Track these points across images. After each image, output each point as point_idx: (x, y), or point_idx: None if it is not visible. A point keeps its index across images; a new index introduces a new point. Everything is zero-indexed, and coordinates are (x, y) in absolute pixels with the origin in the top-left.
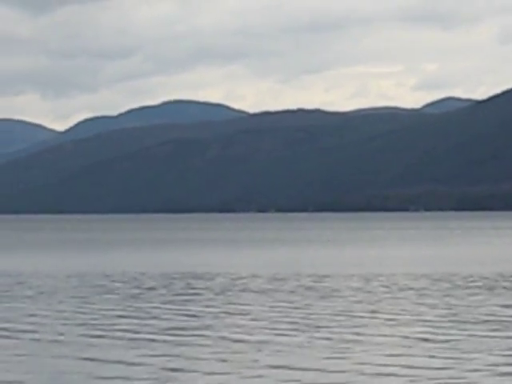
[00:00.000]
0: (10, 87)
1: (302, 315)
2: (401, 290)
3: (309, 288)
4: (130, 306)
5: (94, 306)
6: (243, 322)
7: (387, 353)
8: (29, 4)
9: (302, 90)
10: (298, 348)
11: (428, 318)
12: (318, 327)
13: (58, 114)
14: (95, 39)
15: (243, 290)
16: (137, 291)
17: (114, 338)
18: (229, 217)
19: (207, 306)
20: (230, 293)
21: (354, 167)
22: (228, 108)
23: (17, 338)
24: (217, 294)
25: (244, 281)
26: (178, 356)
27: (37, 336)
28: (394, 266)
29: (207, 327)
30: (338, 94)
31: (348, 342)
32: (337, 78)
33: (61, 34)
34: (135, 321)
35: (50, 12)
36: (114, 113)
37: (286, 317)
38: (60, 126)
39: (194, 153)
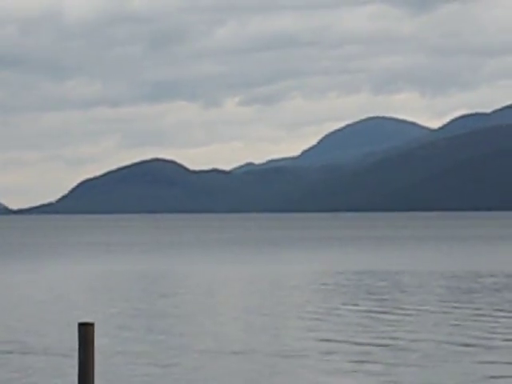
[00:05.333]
0: (389, 85)
1: None
2: None
3: None
4: None
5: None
6: None
7: None
8: (411, 2)
9: None
10: None
11: None
12: None
13: (434, 112)
14: (476, 36)
15: None
16: None
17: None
18: None
19: None
20: None
21: None
22: None
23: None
24: None
25: None
26: None
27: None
28: None
29: None
30: None
31: None
32: None
33: (441, 32)
34: None
35: (431, 10)
36: (489, 110)
37: None
38: (434, 124)
39: None
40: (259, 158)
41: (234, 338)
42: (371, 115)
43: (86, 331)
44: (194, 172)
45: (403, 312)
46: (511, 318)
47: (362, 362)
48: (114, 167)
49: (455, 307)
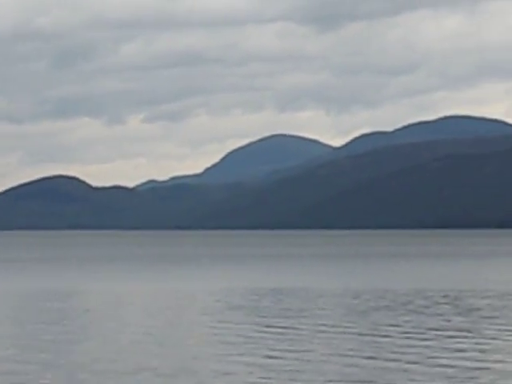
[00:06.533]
0: (293, 103)
1: None
2: None
3: None
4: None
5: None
6: None
7: None
8: (317, 20)
9: None
10: None
11: None
12: None
13: (339, 130)
14: (380, 55)
15: None
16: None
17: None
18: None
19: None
20: None
21: None
22: (506, 124)
23: None
24: None
25: None
26: None
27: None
28: None
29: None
30: None
31: None
32: None
33: (346, 51)
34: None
35: (337, 28)
36: (391, 128)
37: None
38: (338, 142)
39: (471, 168)
40: (162, 174)
41: (131, 357)
42: (275, 133)
43: None
44: (97, 188)
45: (301, 330)
46: (408, 337)
47: (260, 378)
48: (15, 184)
49: (351, 327)
